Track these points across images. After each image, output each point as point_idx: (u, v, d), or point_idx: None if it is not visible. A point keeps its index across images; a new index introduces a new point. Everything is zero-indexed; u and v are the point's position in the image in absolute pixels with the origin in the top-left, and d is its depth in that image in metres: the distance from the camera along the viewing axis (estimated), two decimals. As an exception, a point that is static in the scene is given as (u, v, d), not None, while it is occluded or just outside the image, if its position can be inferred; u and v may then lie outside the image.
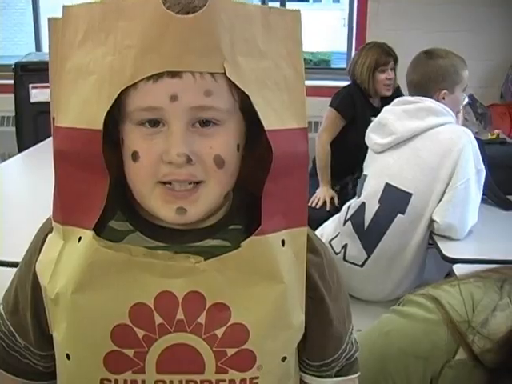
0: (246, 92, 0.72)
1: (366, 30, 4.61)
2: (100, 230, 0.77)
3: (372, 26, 4.59)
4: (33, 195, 2.49)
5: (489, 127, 3.33)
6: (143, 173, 0.75)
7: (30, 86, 4.10)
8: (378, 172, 2.36)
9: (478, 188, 2.21)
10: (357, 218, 2.36)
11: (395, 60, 3.27)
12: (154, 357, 0.77)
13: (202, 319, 0.76)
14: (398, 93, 3.27)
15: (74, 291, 0.76)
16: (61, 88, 0.77)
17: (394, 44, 3.36)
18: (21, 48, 5.21)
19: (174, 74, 0.70)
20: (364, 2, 4.62)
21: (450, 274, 2.05)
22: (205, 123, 0.74)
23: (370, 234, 2.32)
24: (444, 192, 2.20)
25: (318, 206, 3.13)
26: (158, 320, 0.76)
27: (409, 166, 2.26)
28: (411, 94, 2.41)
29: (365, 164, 2.50)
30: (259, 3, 5.00)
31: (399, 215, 2.25)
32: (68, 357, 0.80)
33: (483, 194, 2.29)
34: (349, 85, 3.39)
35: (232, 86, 0.73)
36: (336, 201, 3.17)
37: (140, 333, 0.76)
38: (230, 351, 0.78)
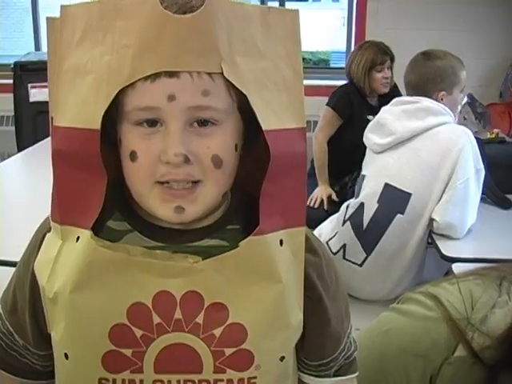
0: (244, 92, 0.72)
1: (366, 30, 4.61)
2: (98, 229, 0.77)
3: (371, 25, 4.60)
4: (32, 195, 2.49)
5: (488, 126, 3.33)
6: (141, 173, 0.75)
7: (29, 85, 4.11)
8: (376, 172, 2.36)
9: (477, 187, 2.21)
10: (356, 218, 2.36)
11: (392, 59, 3.27)
12: (152, 356, 0.78)
13: (199, 319, 0.77)
14: (394, 90, 3.28)
15: (72, 291, 0.76)
16: (59, 87, 0.77)
17: (394, 43, 3.36)
18: (20, 47, 5.20)
19: (171, 74, 0.70)
20: (363, 1, 4.63)
21: (448, 273, 2.05)
22: (203, 123, 0.74)
23: (368, 234, 2.32)
24: (443, 192, 2.20)
25: (316, 206, 3.13)
26: (156, 320, 0.76)
27: (408, 166, 2.26)
28: (409, 95, 2.41)
29: (363, 164, 2.50)
30: (258, 3, 5.01)
31: (398, 215, 2.25)
32: (66, 356, 0.80)
33: (482, 194, 2.29)
34: (346, 84, 3.39)
35: (230, 85, 0.73)
36: (334, 197, 3.17)
37: (138, 332, 0.77)
38: (228, 351, 0.78)
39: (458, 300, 1.07)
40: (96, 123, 0.72)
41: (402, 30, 4.40)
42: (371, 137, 2.42)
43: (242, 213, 0.85)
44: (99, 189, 0.76)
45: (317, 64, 5.54)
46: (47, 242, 0.82)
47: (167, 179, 0.74)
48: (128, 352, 0.77)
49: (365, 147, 2.49)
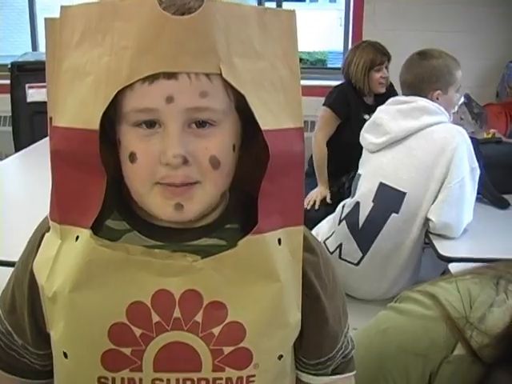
0: (242, 92, 0.73)
1: (363, 30, 4.62)
2: (97, 229, 0.78)
3: (368, 25, 4.60)
4: (30, 195, 2.49)
5: (485, 126, 3.34)
6: (141, 174, 0.76)
7: (27, 85, 4.10)
8: (372, 171, 2.37)
9: (472, 186, 2.22)
10: (351, 218, 2.37)
11: (389, 59, 3.28)
12: (152, 355, 0.78)
13: (198, 317, 0.77)
14: (391, 90, 3.29)
15: (72, 290, 0.76)
16: (58, 88, 0.77)
17: (391, 44, 3.37)
18: (17, 48, 5.20)
19: (169, 76, 0.71)
20: (360, 2, 4.63)
21: (445, 273, 2.06)
22: (201, 124, 0.74)
23: (364, 233, 2.33)
24: (438, 191, 2.21)
25: (308, 207, 3.14)
26: (155, 318, 0.77)
27: (403, 165, 2.27)
28: (405, 95, 2.42)
29: (360, 163, 2.51)
30: (255, 3, 5.01)
31: (393, 214, 2.26)
32: (65, 355, 0.80)
33: (479, 193, 2.30)
34: (341, 84, 3.40)
35: (227, 86, 0.73)
36: (328, 200, 3.18)
37: (137, 331, 0.77)
38: (227, 349, 0.78)
39: (456, 299, 1.08)
40: (95, 124, 0.72)
41: (398, 31, 4.41)
42: (367, 136, 2.43)
43: (240, 212, 0.85)
44: (98, 188, 0.76)
45: (314, 64, 5.54)
46: (46, 241, 0.83)
47: (166, 182, 0.75)
48: (127, 351, 0.78)
49: (361, 147, 2.50)
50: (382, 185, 2.29)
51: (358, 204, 2.36)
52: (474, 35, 4.53)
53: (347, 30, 4.84)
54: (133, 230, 0.82)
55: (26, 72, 4.12)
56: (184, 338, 0.78)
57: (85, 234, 0.76)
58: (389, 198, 2.27)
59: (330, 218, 2.58)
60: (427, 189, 2.21)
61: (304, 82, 0.80)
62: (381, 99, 2.81)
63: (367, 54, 3.26)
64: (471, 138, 2.31)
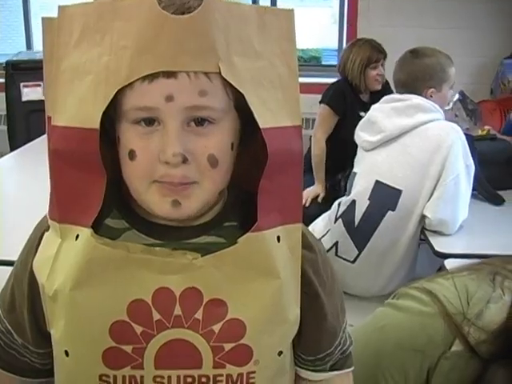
0: (242, 91, 0.73)
1: (357, 27, 4.63)
2: (96, 227, 0.78)
3: (362, 22, 4.61)
4: (25, 194, 2.49)
5: (479, 123, 3.34)
6: (140, 171, 0.76)
7: (22, 84, 4.10)
8: (367, 169, 2.38)
9: (467, 183, 2.23)
10: (347, 216, 2.38)
11: (385, 57, 3.30)
12: (153, 352, 0.78)
13: (199, 315, 0.77)
14: (386, 87, 3.30)
15: (73, 288, 0.76)
16: (57, 88, 0.77)
17: (385, 41, 3.38)
18: (11, 47, 5.19)
19: (169, 75, 0.71)
20: (354, -2, 4.65)
21: (441, 269, 2.07)
22: (200, 122, 0.75)
23: (360, 231, 2.34)
24: (434, 188, 2.22)
25: (307, 204, 3.15)
26: (156, 316, 0.77)
27: (398, 163, 2.28)
28: (399, 93, 2.43)
29: (355, 161, 2.52)
30: (250, 1, 5.01)
31: (389, 212, 2.27)
32: (66, 353, 0.80)
33: (474, 190, 2.31)
34: (338, 81, 3.42)
35: (227, 85, 0.74)
36: (319, 199, 3.19)
37: (138, 329, 0.77)
38: (227, 346, 0.79)
39: (453, 295, 1.08)
40: (95, 123, 0.72)
41: (393, 28, 4.42)
42: (361, 134, 2.44)
43: (238, 210, 0.86)
44: (98, 187, 0.77)
45: (308, 62, 5.55)
46: (46, 240, 0.83)
47: (165, 181, 0.75)
48: (128, 348, 0.78)
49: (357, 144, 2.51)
50: (377, 183, 2.30)
51: (353, 202, 2.36)
52: (468, 32, 4.55)
53: (341, 28, 4.85)
54: (132, 229, 0.83)
55: (21, 71, 4.12)
56: (185, 336, 0.78)
57: (85, 232, 0.76)
58: (385, 196, 2.28)
59: (325, 215, 2.59)
60: (423, 186, 2.22)
61: (298, 80, 0.81)
62: (376, 97, 2.82)
63: (364, 51, 3.27)
64: (466, 134, 2.32)
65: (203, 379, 0.80)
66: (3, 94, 4.22)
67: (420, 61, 2.36)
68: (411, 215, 2.25)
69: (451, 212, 2.19)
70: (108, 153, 0.79)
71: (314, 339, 0.89)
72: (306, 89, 3.60)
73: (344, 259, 2.36)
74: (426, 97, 2.32)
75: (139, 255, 0.77)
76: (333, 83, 3.42)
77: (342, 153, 2.94)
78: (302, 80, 0.80)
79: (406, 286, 1.20)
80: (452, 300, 1.08)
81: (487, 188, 2.50)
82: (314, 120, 3.37)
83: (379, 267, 2.33)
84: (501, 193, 2.54)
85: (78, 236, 0.77)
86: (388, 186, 2.27)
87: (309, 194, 3.21)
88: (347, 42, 4.63)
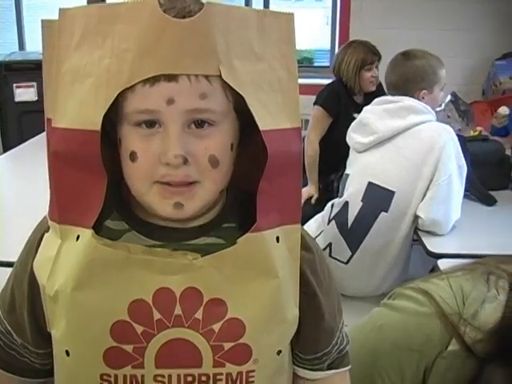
0: (242, 94, 0.74)
1: (350, 28, 4.64)
2: (97, 229, 0.79)
3: (355, 23, 4.62)
4: (18, 195, 2.48)
5: (471, 124, 3.36)
6: (141, 173, 0.77)
7: (14, 85, 4.08)
8: (360, 171, 2.39)
9: (460, 184, 2.24)
10: (340, 218, 2.38)
11: (379, 59, 3.31)
12: (153, 352, 0.79)
13: (199, 314, 0.78)
14: (380, 89, 3.31)
15: (74, 288, 0.77)
16: (58, 90, 0.78)
17: (378, 42, 3.39)
18: (3, 47, 5.17)
19: (170, 78, 0.72)
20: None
21: (434, 269, 2.08)
22: (200, 124, 0.76)
23: (353, 232, 2.34)
24: (427, 189, 2.23)
25: None
26: (157, 316, 0.78)
27: (391, 164, 2.28)
28: (391, 95, 2.44)
29: (347, 163, 2.52)
30: (243, 2, 5.02)
31: (382, 213, 2.28)
32: (67, 353, 0.81)
33: (466, 191, 2.32)
34: (332, 82, 3.42)
35: (226, 87, 0.75)
36: (313, 200, 3.20)
37: (139, 328, 0.78)
38: (227, 345, 0.80)
39: (449, 295, 1.09)
40: (96, 125, 0.73)
41: (385, 29, 4.44)
42: (354, 136, 2.45)
43: (237, 211, 0.87)
44: (99, 189, 0.77)
45: (301, 63, 5.55)
46: (46, 241, 0.83)
47: (166, 180, 0.76)
48: (129, 348, 0.79)
49: (350, 145, 2.51)
50: (370, 184, 2.31)
51: (346, 204, 2.37)
52: (460, 34, 4.57)
53: (334, 29, 4.87)
54: (132, 230, 0.83)
55: (14, 71, 4.09)
56: (185, 335, 0.79)
57: (86, 233, 0.77)
58: (378, 197, 2.29)
59: (317, 216, 2.59)
60: (416, 187, 2.23)
61: (298, 82, 0.82)
62: (370, 98, 2.83)
63: (358, 53, 3.28)
64: (458, 135, 2.33)
65: (203, 378, 0.81)
66: (-4, 95, 4.21)
67: (411, 63, 2.37)
68: (404, 216, 2.26)
69: (444, 212, 2.20)
70: (108, 154, 0.79)
71: (311, 339, 0.90)
72: (299, 90, 3.61)
73: (337, 260, 2.37)
74: (418, 98, 2.34)
75: (140, 256, 0.77)
76: (328, 84, 3.43)
77: (335, 154, 2.95)
78: (295, 81, 0.81)
79: (401, 286, 1.21)
80: (448, 300, 1.09)
81: (479, 188, 2.51)
82: (306, 121, 3.38)
83: (372, 268, 2.34)
84: (493, 193, 2.56)
85: (78, 237, 0.78)
86: (381, 187, 2.28)
87: (302, 195, 3.21)
88: (340, 43, 4.65)
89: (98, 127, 0.73)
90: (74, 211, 0.78)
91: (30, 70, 3.78)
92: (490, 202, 2.52)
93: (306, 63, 5.13)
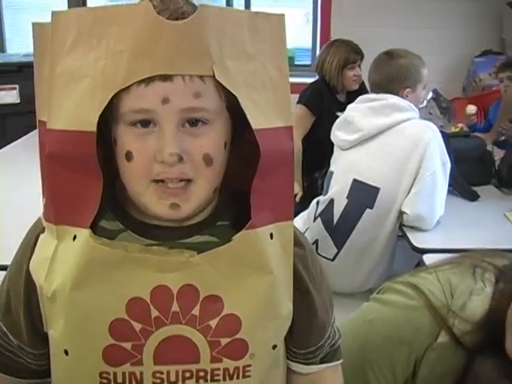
0: (235, 94, 0.75)
1: (331, 27, 4.66)
2: (92, 229, 0.79)
3: (336, 22, 4.65)
4: (3, 197, 2.47)
5: (453, 121, 3.40)
6: (137, 172, 0.78)
7: (-4, 87, 4.06)
8: (344, 168, 2.40)
9: (444, 180, 2.27)
10: (326, 215, 2.40)
11: (362, 58, 3.33)
12: (151, 349, 0.80)
13: (196, 311, 0.79)
14: (362, 87, 3.34)
15: (72, 288, 0.78)
16: (52, 92, 0.78)
17: (358, 40, 3.41)
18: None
19: (165, 78, 0.73)
20: (328, -2, 4.68)
21: (419, 264, 2.10)
22: (194, 123, 0.77)
23: (339, 229, 2.36)
24: (411, 185, 2.25)
25: None
26: (154, 313, 0.79)
27: (376, 161, 2.30)
28: (375, 93, 2.45)
29: (331, 161, 2.54)
30: (224, 2, 5.02)
31: (368, 210, 2.29)
32: (66, 353, 0.82)
33: (449, 186, 2.35)
34: (316, 81, 3.44)
35: (220, 87, 0.76)
36: (297, 198, 3.21)
37: (137, 326, 0.79)
38: (224, 341, 0.81)
39: (437, 289, 1.12)
40: (92, 125, 0.74)
41: (366, 28, 4.46)
42: (338, 134, 2.46)
43: (230, 209, 0.88)
44: (95, 189, 0.78)
45: (282, 62, 5.55)
46: (41, 242, 0.84)
47: (162, 178, 0.77)
48: (128, 345, 0.80)
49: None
50: (355, 181, 2.33)
51: (332, 201, 2.39)
52: (441, 32, 4.62)
53: (315, 27, 4.88)
54: (127, 230, 0.84)
55: (-5, 74, 4.08)
56: (182, 331, 0.80)
57: (84, 233, 0.78)
58: (363, 194, 2.30)
59: (303, 214, 2.61)
60: (400, 183, 2.25)
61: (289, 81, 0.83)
62: (353, 96, 2.85)
63: (341, 52, 3.30)
64: (441, 132, 2.35)
65: (201, 373, 0.82)
66: (-23, 98, 4.17)
67: (395, 62, 2.39)
68: (389, 213, 2.28)
69: (428, 207, 2.23)
70: (102, 154, 0.80)
71: (305, 334, 0.92)
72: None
73: (324, 257, 2.38)
74: (402, 97, 2.36)
75: (137, 254, 0.78)
76: (311, 83, 3.44)
77: (318, 152, 2.96)
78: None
79: (390, 280, 1.23)
80: (436, 293, 1.11)
81: (462, 184, 2.54)
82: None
83: (358, 264, 2.36)
84: (475, 188, 2.59)
85: (75, 237, 0.79)
86: (366, 184, 2.30)
87: None
88: (321, 41, 4.67)
89: (94, 128, 0.74)
90: (71, 212, 0.79)
91: (12, 73, 3.76)
92: (473, 197, 2.56)
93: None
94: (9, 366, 0.91)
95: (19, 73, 3.93)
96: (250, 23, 0.78)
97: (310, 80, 3.53)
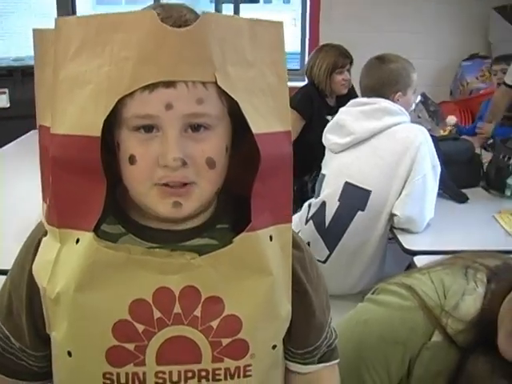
0: (236, 99, 0.77)
1: (319, 32, 4.69)
2: (95, 233, 0.80)
3: (325, 26, 4.67)
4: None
5: (441, 124, 3.43)
6: (140, 175, 0.79)
7: (-14, 92, 4.05)
8: (336, 171, 2.42)
9: (434, 183, 2.29)
10: (318, 217, 2.41)
11: (351, 62, 3.35)
12: (154, 349, 0.81)
13: (197, 312, 0.81)
14: (351, 92, 3.36)
15: (76, 290, 0.79)
16: (56, 97, 0.79)
17: (347, 44, 3.44)
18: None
19: (168, 84, 0.74)
20: (317, 2, 4.70)
21: (410, 266, 2.13)
22: (196, 128, 0.78)
23: (331, 232, 2.37)
24: (402, 188, 2.27)
25: None
26: (157, 314, 0.80)
27: (368, 164, 2.32)
28: (367, 97, 2.47)
29: (323, 163, 2.55)
30: (213, 5, 5.04)
31: (359, 212, 2.31)
32: (69, 354, 0.83)
33: (439, 189, 2.37)
34: (306, 85, 3.47)
35: (221, 93, 0.77)
36: None
37: (140, 327, 0.80)
38: (225, 341, 0.83)
39: (431, 289, 1.14)
40: (96, 130, 0.75)
41: (354, 32, 4.49)
42: (330, 137, 2.48)
43: (229, 213, 0.90)
44: (99, 193, 0.79)
45: (270, 66, 5.57)
46: (44, 245, 0.85)
47: (165, 182, 0.78)
48: (131, 346, 0.81)
49: (324, 147, 2.55)
50: (347, 184, 2.34)
51: (324, 203, 2.40)
52: (427, 36, 4.67)
53: (304, 31, 4.90)
54: (128, 233, 0.86)
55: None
56: (184, 332, 0.81)
57: (87, 236, 0.79)
58: (354, 197, 2.32)
59: (294, 217, 2.61)
60: (391, 186, 2.27)
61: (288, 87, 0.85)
62: (342, 100, 2.88)
63: (330, 56, 3.33)
64: (430, 135, 2.38)
65: (203, 373, 0.83)
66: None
67: (386, 66, 2.41)
68: (380, 215, 2.30)
69: (419, 210, 2.25)
70: (103, 158, 0.80)
71: (303, 334, 0.94)
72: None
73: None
74: (393, 101, 2.39)
75: (140, 256, 0.80)
76: (301, 88, 3.47)
77: (308, 156, 2.98)
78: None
79: (384, 281, 1.25)
80: (430, 293, 1.13)
81: (452, 187, 2.57)
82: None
83: (349, 267, 2.37)
84: (464, 191, 2.62)
85: (78, 240, 0.80)
86: (357, 186, 2.32)
87: None
88: (310, 46, 4.69)
89: (99, 133, 0.75)
90: (74, 215, 0.80)
91: (2, 77, 3.76)
92: (462, 199, 2.59)
93: (276, 66, 5.16)
94: (10, 368, 0.92)
95: (9, 77, 3.93)
96: (250, 31, 0.79)
97: (299, 84, 3.55)
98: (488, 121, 3.61)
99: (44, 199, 0.87)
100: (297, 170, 2.71)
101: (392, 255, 2.48)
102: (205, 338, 0.82)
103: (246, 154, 0.83)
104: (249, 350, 0.84)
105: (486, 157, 2.87)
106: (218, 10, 5.05)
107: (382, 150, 2.30)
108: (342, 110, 2.51)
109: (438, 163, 2.29)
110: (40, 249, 0.86)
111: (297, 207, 2.62)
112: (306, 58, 4.17)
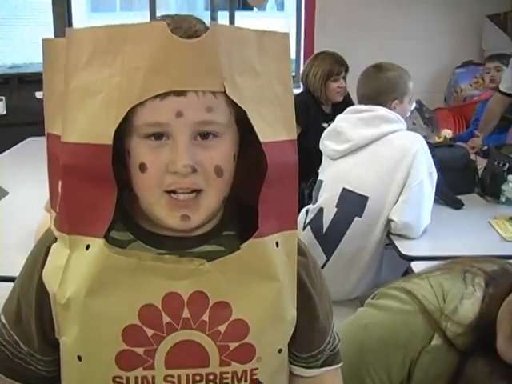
0: (244, 108, 0.79)
1: (314, 39, 4.71)
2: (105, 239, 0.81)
3: (319, 34, 4.69)
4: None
5: (436, 131, 3.46)
6: (150, 182, 0.81)
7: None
8: (334, 178, 2.44)
9: (431, 189, 2.32)
10: (315, 223, 2.43)
11: (346, 70, 3.38)
12: (163, 353, 0.83)
13: (205, 317, 0.82)
14: (347, 99, 3.38)
15: (86, 296, 0.80)
16: (67, 106, 0.81)
17: (341, 52, 3.45)
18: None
19: (179, 93, 0.76)
20: (312, 10, 4.72)
21: (407, 272, 2.14)
22: (205, 136, 0.80)
23: (328, 237, 2.39)
24: (399, 194, 2.29)
25: None
26: (166, 319, 0.82)
27: (365, 171, 2.35)
28: (364, 105, 2.49)
29: (320, 170, 2.58)
30: (208, 12, 5.06)
31: (357, 218, 2.33)
32: (79, 358, 0.84)
33: (435, 195, 2.39)
34: (301, 92, 3.49)
35: (230, 102, 0.79)
36: None
37: (149, 332, 0.82)
38: (233, 345, 0.84)
39: (430, 293, 1.16)
40: (108, 138, 0.76)
41: (350, 39, 4.51)
42: (328, 144, 2.50)
43: (235, 220, 0.91)
44: (109, 200, 0.80)
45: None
46: (54, 251, 0.86)
47: (174, 188, 0.80)
48: (140, 350, 0.82)
49: (320, 154, 2.57)
50: (344, 190, 2.37)
51: (321, 210, 2.42)
52: (422, 43, 4.69)
53: (299, 39, 4.93)
54: (137, 240, 0.87)
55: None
56: (193, 337, 0.83)
57: (97, 242, 0.80)
58: (352, 203, 2.34)
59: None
60: (388, 193, 2.30)
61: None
62: (338, 108, 2.89)
63: (325, 64, 3.35)
64: (426, 142, 2.41)
65: (211, 377, 0.85)
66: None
67: (384, 75, 2.44)
68: (377, 221, 2.32)
69: (416, 216, 2.28)
70: (113, 166, 0.82)
71: (307, 338, 0.95)
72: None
73: (313, 265, 2.40)
74: (390, 108, 2.41)
75: (150, 262, 0.81)
76: (297, 95, 3.47)
77: (305, 162, 2.94)
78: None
79: (384, 286, 1.27)
80: (429, 298, 1.15)
81: (448, 193, 2.60)
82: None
83: (346, 272, 2.39)
84: (460, 197, 2.66)
85: (88, 246, 0.81)
86: (355, 192, 2.34)
87: None
88: (305, 53, 4.72)
89: (111, 141, 0.77)
90: (84, 222, 0.81)
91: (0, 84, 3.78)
92: (458, 205, 2.62)
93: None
94: (19, 373, 0.93)
95: (5, 85, 3.94)
96: (258, 41, 0.81)
97: (295, 91, 3.56)
98: (480, 130, 3.63)
99: (53, 206, 0.88)
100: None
101: (389, 261, 2.49)
102: (213, 342, 0.83)
103: (253, 162, 0.85)
104: (255, 353, 0.85)
105: (481, 163, 2.90)
106: (213, 17, 5.08)
107: (380, 156, 2.33)
108: (339, 116, 2.53)
109: (435, 170, 2.31)
110: (50, 255, 0.87)
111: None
112: (302, 66, 4.21)
